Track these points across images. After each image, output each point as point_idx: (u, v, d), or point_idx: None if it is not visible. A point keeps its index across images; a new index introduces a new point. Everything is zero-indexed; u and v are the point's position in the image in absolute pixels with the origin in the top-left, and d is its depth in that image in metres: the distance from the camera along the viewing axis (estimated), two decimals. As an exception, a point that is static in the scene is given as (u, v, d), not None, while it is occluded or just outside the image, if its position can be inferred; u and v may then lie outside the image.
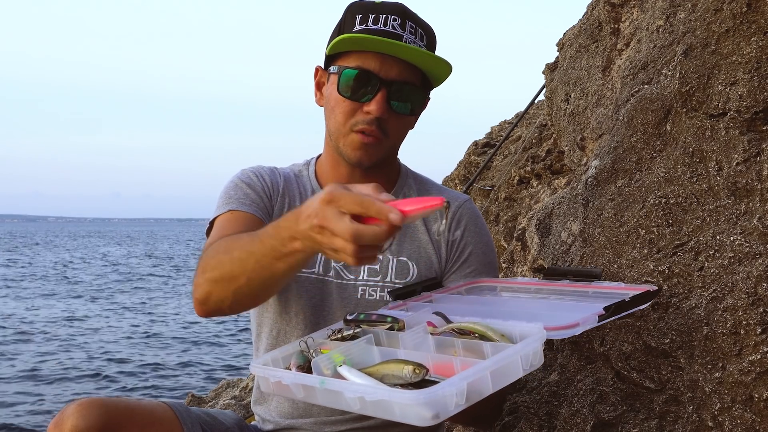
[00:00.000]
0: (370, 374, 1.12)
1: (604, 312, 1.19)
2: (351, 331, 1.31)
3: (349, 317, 1.36)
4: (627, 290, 1.35)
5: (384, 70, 1.50)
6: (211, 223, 1.58)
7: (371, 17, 1.52)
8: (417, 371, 1.06)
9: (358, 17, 1.53)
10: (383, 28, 1.50)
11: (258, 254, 1.24)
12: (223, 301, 1.34)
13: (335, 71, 1.55)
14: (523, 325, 1.18)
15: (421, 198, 1.07)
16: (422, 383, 1.07)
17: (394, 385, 1.08)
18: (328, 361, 1.19)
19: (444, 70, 1.56)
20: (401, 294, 1.57)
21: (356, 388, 1.08)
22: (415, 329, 1.23)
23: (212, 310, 1.38)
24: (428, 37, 1.58)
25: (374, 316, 1.32)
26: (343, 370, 1.15)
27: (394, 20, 1.51)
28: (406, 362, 1.09)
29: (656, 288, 1.36)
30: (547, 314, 1.25)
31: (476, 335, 1.17)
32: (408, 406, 0.98)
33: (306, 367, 1.23)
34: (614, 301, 1.24)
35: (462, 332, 1.20)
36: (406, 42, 1.50)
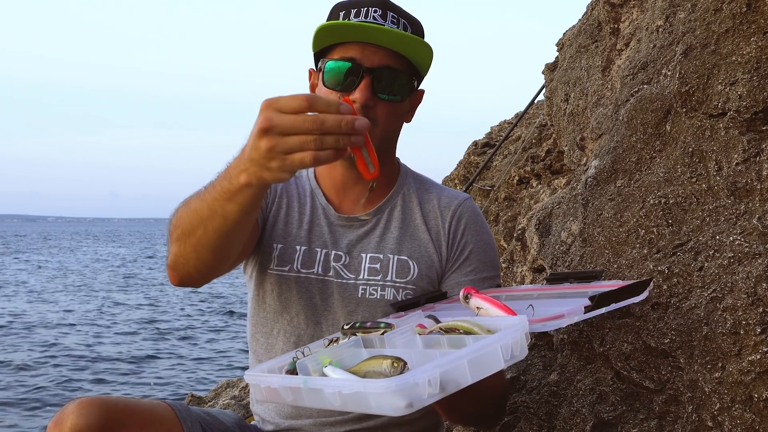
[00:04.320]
0: (354, 372, 1.13)
1: (590, 303, 1.19)
2: (347, 339, 1.32)
3: (345, 326, 1.37)
4: (623, 285, 1.35)
5: (366, 58, 1.52)
6: None
7: (353, 11, 1.56)
8: (395, 365, 1.07)
9: (341, 13, 1.58)
10: (364, 19, 1.54)
11: (210, 199, 1.24)
12: (188, 261, 1.33)
13: (321, 66, 1.58)
14: (508, 318, 1.18)
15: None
16: None
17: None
18: (315, 363, 1.20)
19: (423, 50, 1.57)
20: (404, 306, 1.56)
21: (334, 383, 1.09)
22: (402, 329, 1.24)
23: (182, 276, 1.38)
24: (412, 26, 1.60)
25: (369, 324, 1.33)
26: (328, 370, 1.16)
27: (375, 11, 1.55)
28: (385, 357, 1.10)
29: (646, 278, 1.34)
30: (537, 310, 1.25)
31: (461, 332, 1.17)
32: (381, 395, 0.98)
33: (295, 371, 1.24)
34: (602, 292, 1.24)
35: (449, 330, 1.21)
36: None
